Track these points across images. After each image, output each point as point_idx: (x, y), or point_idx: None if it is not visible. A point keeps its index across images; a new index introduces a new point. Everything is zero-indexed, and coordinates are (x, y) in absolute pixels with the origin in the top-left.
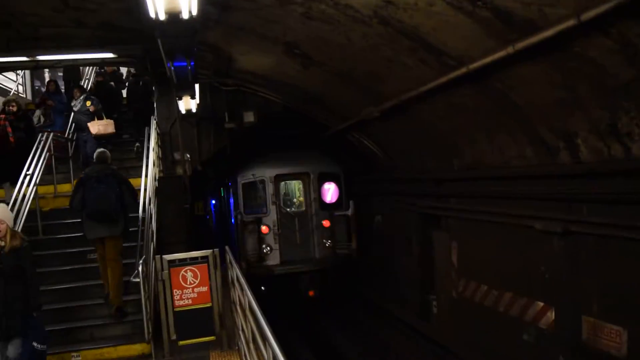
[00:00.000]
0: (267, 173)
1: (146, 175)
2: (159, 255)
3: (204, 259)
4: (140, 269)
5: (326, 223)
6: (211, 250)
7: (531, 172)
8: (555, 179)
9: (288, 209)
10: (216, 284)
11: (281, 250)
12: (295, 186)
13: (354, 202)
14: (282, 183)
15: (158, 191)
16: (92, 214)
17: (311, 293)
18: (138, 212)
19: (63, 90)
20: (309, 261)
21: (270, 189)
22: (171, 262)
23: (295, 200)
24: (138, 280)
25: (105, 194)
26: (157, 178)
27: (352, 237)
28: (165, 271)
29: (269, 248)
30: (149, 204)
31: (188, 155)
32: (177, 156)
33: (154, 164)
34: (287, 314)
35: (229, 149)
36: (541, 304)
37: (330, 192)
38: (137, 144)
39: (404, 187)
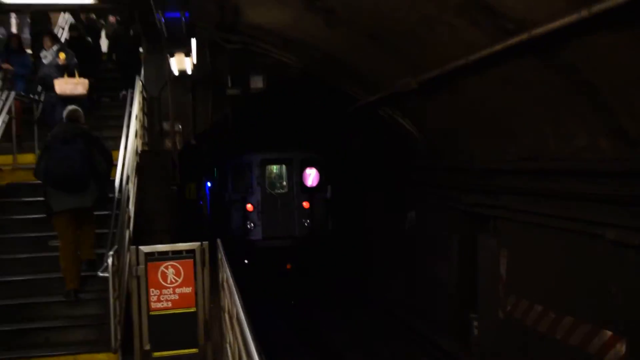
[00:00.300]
0: (253, 158)
1: (125, 148)
2: (134, 247)
3: (190, 253)
4: (110, 261)
5: (306, 204)
6: (199, 243)
7: (606, 167)
8: (635, 177)
9: (272, 191)
10: (203, 284)
11: (264, 226)
12: (279, 170)
13: (364, 191)
14: (268, 167)
15: (140, 168)
16: (55, 181)
17: (288, 266)
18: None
19: (30, 52)
20: (288, 237)
21: (256, 171)
22: (149, 256)
23: (278, 183)
24: (107, 275)
25: (69, 156)
26: (139, 152)
27: (329, 218)
28: (141, 266)
29: (252, 224)
30: (127, 182)
31: (180, 126)
32: (166, 126)
33: (136, 135)
34: (268, 288)
35: (230, 120)
36: (609, 333)
37: (311, 177)
38: (124, 92)
39: (445, 177)
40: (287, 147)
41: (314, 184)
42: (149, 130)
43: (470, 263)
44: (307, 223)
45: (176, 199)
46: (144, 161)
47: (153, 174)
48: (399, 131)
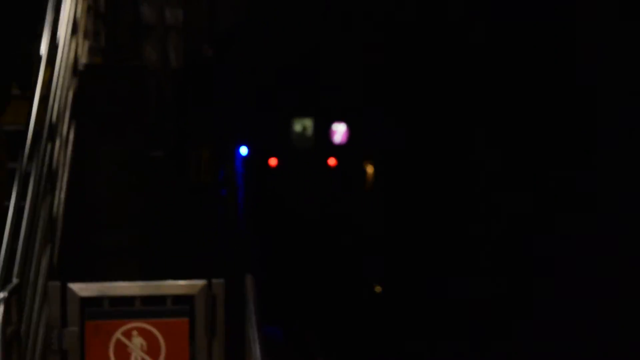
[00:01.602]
0: None
1: (48, 57)
2: (58, 283)
3: (183, 303)
4: (0, 313)
5: None
6: (202, 282)
7: None
8: None
9: None
10: None
11: None
12: None
13: None
14: None
15: (81, 105)
16: None
17: None
18: None
19: None
20: None
21: None
22: (91, 305)
23: None
24: None
25: None
26: (79, 67)
27: None
28: (73, 328)
29: None
30: (48, 137)
31: (179, 15)
32: (147, 13)
33: (74, 28)
34: None
35: None
36: None
37: None
38: None
39: None
40: None
41: None
42: (108, 22)
43: None
44: None
45: (162, 179)
46: (92, 90)
47: (111, 120)
48: None
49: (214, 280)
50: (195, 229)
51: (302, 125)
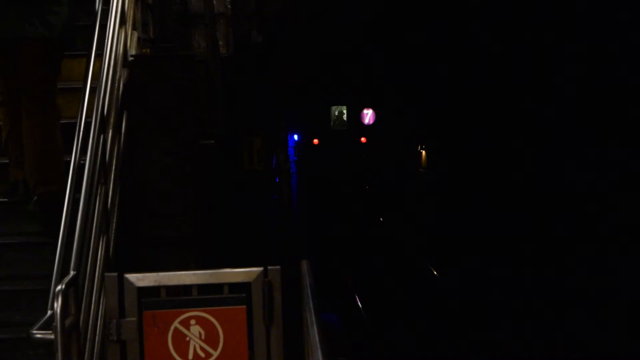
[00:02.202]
0: None
1: (98, 48)
2: (115, 273)
3: (239, 291)
4: (58, 305)
5: None
6: (259, 269)
7: None
8: None
9: None
10: None
11: None
12: None
13: None
14: None
15: (131, 96)
16: None
17: None
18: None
19: None
20: None
21: None
22: (148, 295)
23: None
24: (49, 336)
25: None
26: (129, 58)
27: None
28: (131, 318)
29: None
30: (99, 129)
31: (229, 4)
32: (194, 1)
33: (123, 19)
34: None
35: None
36: None
37: None
38: None
39: None
40: None
41: None
42: (155, 12)
43: None
44: None
45: (215, 168)
46: (142, 79)
47: (162, 110)
48: None
49: (270, 267)
50: (249, 217)
51: (339, 110)
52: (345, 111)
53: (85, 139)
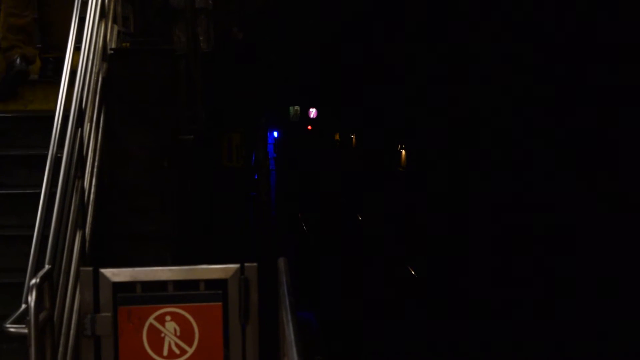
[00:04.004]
0: None
1: (78, 41)
2: (90, 268)
3: (216, 288)
4: (32, 298)
5: None
6: (236, 266)
7: None
8: None
9: None
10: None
11: None
12: None
13: None
14: None
15: (109, 89)
16: None
17: None
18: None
19: None
20: None
21: None
22: (122, 290)
23: None
24: (23, 331)
25: None
26: (109, 51)
27: None
28: (105, 314)
29: None
30: (77, 122)
31: (210, 0)
32: None
33: (104, 11)
34: None
35: None
36: None
37: None
38: None
39: None
40: None
41: None
42: (136, 6)
43: None
44: None
45: (194, 164)
46: (121, 73)
47: (141, 104)
48: None
49: (247, 264)
50: (228, 214)
51: (294, 109)
52: (298, 109)
53: (62, 132)
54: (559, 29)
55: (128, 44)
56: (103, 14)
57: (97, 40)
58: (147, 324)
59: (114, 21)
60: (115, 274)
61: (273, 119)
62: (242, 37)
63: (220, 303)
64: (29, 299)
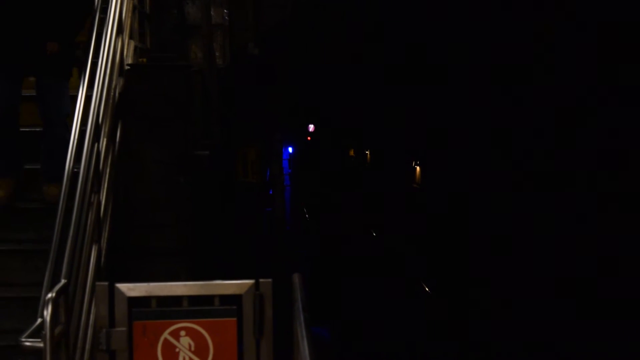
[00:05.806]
0: None
1: (94, 57)
2: (106, 283)
3: (230, 303)
4: (48, 312)
5: None
6: (250, 282)
7: None
8: None
9: None
10: None
11: None
12: None
13: None
14: None
15: (126, 105)
16: None
17: None
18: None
19: None
20: None
21: None
22: (137, 305)
23: None
24: (39, 344)
25: None
26: (126, 67)
27: None
28: (121, 329)
29: None
30: (94, 137)
31: (226, 15)
32: (191, 13)
33: (120, 28)
34: None
35: None
36: None
37: None
38: None
39: None
40: None
41: None
42: (153, 22)
43: None
44: None
45: (209, 179)
46: (138, 89)
47: (157, 120)
48: None
49: (262, 280)
50: (242, 229)
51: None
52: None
53: (79, 147)
54: None
55: (145, 60)
56: (120, 30)
57: (114, 56)
58: (162, 339)
59: (131, 37)
60: (131, 289)
61: (288, 134)
62: (258, 53)
63: (234, 319)
64: (45, 313)
